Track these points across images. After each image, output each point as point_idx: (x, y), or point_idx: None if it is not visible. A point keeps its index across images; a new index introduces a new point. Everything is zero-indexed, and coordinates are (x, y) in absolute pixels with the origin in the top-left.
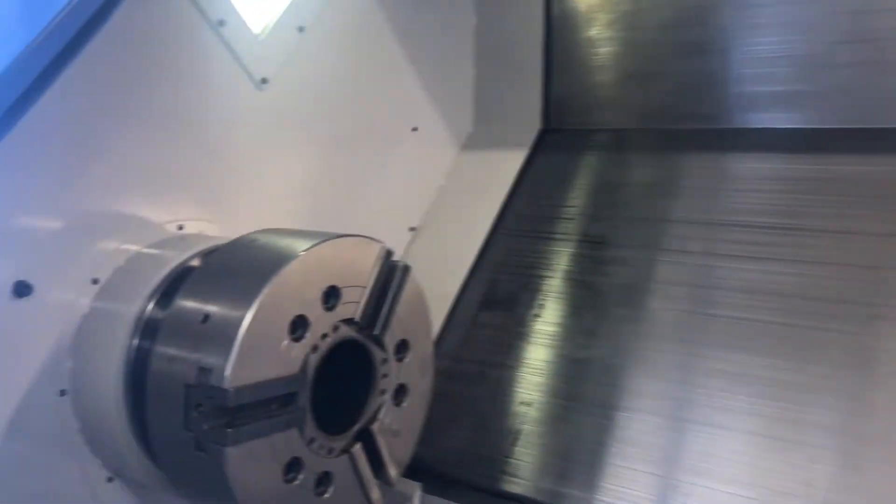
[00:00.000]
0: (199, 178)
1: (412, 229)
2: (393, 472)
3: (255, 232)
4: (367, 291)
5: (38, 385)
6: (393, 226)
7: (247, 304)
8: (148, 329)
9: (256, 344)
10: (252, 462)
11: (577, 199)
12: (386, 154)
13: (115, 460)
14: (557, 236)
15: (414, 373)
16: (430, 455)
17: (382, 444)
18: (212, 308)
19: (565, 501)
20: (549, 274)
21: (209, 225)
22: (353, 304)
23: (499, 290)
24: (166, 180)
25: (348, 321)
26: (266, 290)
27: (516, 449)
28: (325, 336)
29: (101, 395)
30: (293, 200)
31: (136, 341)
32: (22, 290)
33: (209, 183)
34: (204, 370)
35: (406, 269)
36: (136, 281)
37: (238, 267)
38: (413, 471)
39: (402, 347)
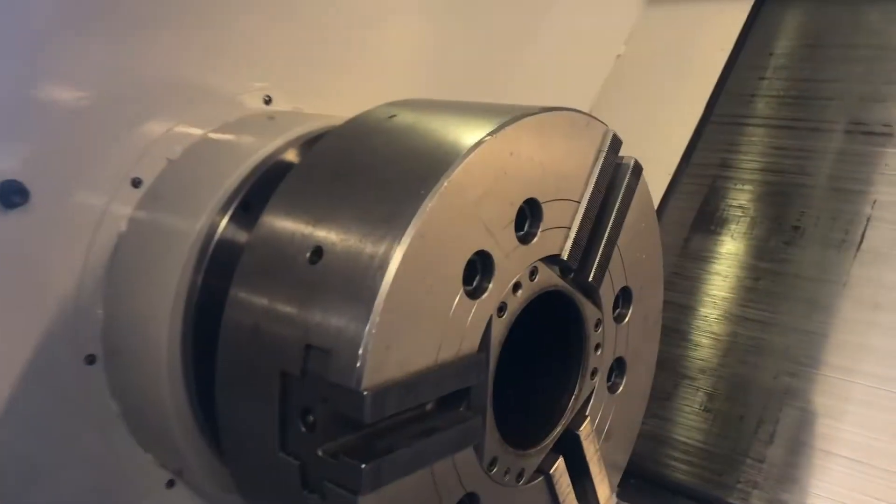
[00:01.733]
0: (295, 30)
1: None
2: (603, 496)
3: (389, 104)
4: (582, 207)
5: (53, 348)
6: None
7: (396, 230)
8: (219, 259)
9: (412, 305)
10: None
11: (839, 69)
12: (542, 11)
13: (173, 459)
14: (812, 124)
15: (637, 339)
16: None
17: (592, 455)
18: (326, 235)
19: None
20: (805, 180)
21: (308, 99)
22: (560, 230)
23: (721, 202)
24: (245, 30)
25: (550, 259)
26: (430, 205)
27: (773, 449)
28: (517, 287)
29: (148, 364)
30: (419, 71)
31: (199, 278)
32: (12, 196)
33: (308, 37)
34: (315, 351)
35: (637, 170)
36: (200, 182)
37: (372, 163)
38: None
39: (623, 300)
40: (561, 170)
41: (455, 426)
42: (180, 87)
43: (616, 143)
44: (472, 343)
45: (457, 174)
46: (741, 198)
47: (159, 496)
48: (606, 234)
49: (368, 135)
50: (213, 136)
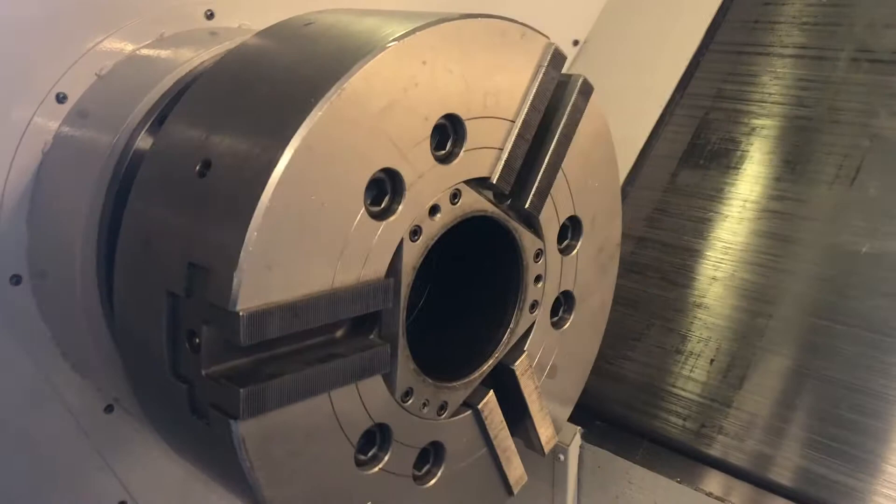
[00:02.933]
0: None
1: (576, 43)
2: (545, 435)
3: (313, 13)
4: (517, 127)
5: None
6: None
7: (279, 142)
8: (131, 174)
9: (298, 223)
10: (293, 441)
11: None
12: None
13: (105, 385)
14: (815, 52)
15: (588, 272)
16: (595, 388)
17: (530, 391)
18: (217, 147)
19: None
20: (802, 112)
21: (255, 15)
22: (489, 150)
23: (713, 135)
24: None
25: (478, 182)
26: (319, 115)
27: (733, 392)
28: (434, 210)
29: (68, 287)
30: None
31: (113, 196)
32: None
33: None
34: (197, 270)
35: (585, 89)
36: (123, 97)
37: (271, 72)
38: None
39: (571, 231)
40: (490, 85)
41: (357, 353)
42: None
43: (558, 57)
44: (378, 268)
45: (352, 82)
46: (735, 130)
47: (99, 421)
48: (547, 158)
49: (278, 43)
50: (144, 51)
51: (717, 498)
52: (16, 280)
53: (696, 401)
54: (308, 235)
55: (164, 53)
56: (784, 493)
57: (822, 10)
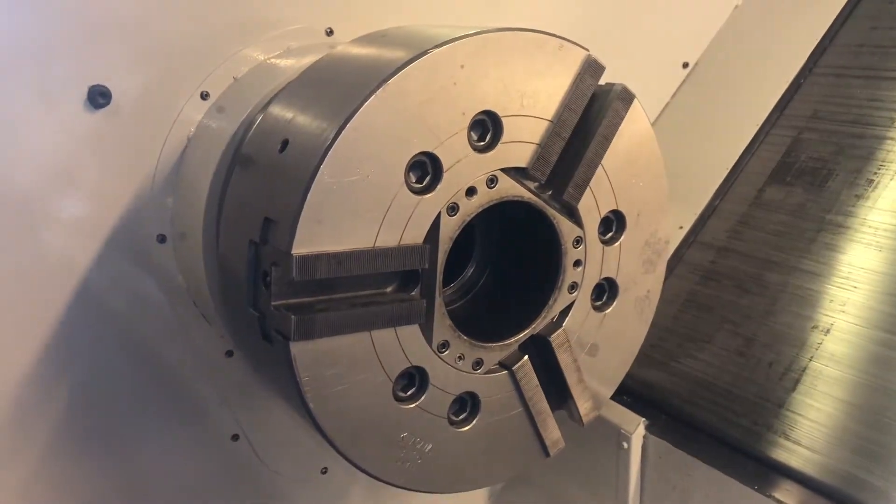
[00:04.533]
0: None
1: (685, 65)
2: (584, 407)
3: (391, 28)
4: (552, 125)
5: (131, 226)
6: (657, 59)
7: (332, 127)
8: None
9: (346, 190)
10: (339, 365)
11: None
12: None
13: (225, 332)
14: None
15: (633, 264)
16: (664, 382)
17: (567, 363)
18: (294, 129)
19: (865, 493)
20: (892, 134)
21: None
22: (526, 145)
23: (802, 154)
24: None
25: (518, 172)
26: (364, 106)
27: (795, 396)
28: (471, 191)
29: (196, 249)
30: (476, 10)
31: (227, 170)
32: (97, 97)
33: None
34: (270, 223)
35: (625, 96)
36: (250, 95)
37: (343, 72)
38: (637, 399)
39: (614, 224)
40: (527, 88)
41: (395, 303)
42: (255, 19)
43: (594, 67)
44: (416, 234)
45: (393, 81)
46: (823, 150)
47: (220, 363)
48: (586, 155)
49: (360, 47)
50: (272, 60)
51: (766, 495)
52: (161, 238)
53: (751, 400)
54: (353, 201)
55: (287, 62)
56: (826, 492)
57: None
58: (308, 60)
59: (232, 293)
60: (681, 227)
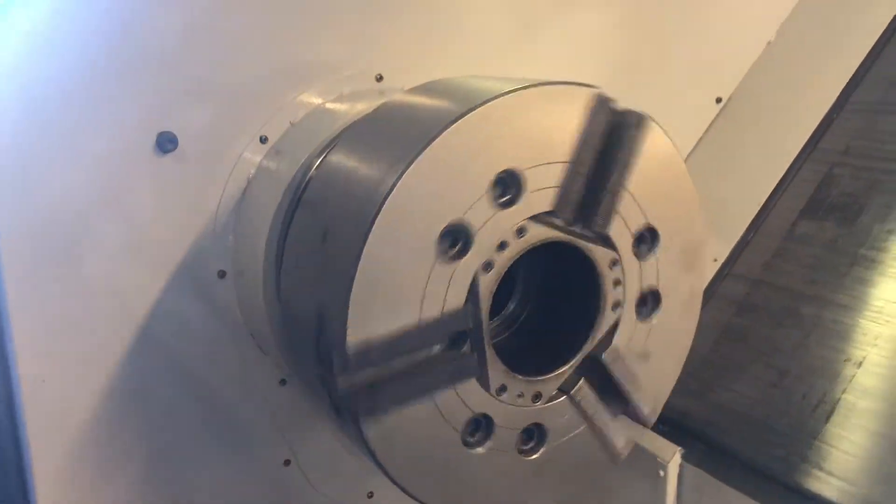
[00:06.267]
0: (416, 9)
1: (719, 100)
2: (646, 406)
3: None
4: (569, 164)
5: (193, 263)
6: (691, 94)
7: (362, 227)
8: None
9: (386, 275)
10: (408, 431)
11: None
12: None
13: (280, 363)
14: None
15: (671, 270)
16: (700, 412)
17: (623, 374)
18: (331, 220)
19: None
20: None
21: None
22: (548, 189)
23: (834, 188)
24: (364, 21)
25: (544, 216)
26: (387, 205)
27: (829, 428)
28: (503, 245)
29: (255, 288)
30: (527, 41)
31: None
32: (166, 143)
33: (428, 16)
34: (323, 318)
35: (641, 122)
36: (306, 140)
37: (375, 148)
38: (674, 428)
39: (648, 238)
40: (543, 137)
41: (448, 364)
42: (310, 66)
43: (603, 101)
44: (457, 298)
45: (412, 169)
46: (855, 186)
47: (273, 391)
48: (609, 185)
49: (410, 100)
50: (327, 105)
51: None
52: (221, 274)
53: (786, 431)
54: (395, 285)
55: (341, 108)
56: None
57: None
58: (361, 107)
59: (297, 350)
60: (715, 260)
